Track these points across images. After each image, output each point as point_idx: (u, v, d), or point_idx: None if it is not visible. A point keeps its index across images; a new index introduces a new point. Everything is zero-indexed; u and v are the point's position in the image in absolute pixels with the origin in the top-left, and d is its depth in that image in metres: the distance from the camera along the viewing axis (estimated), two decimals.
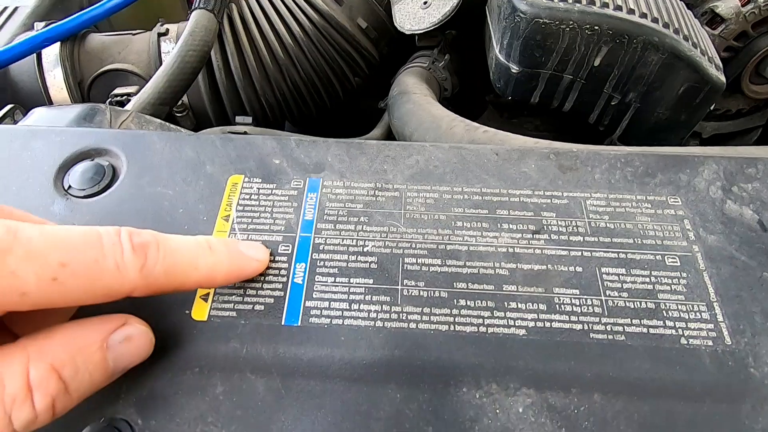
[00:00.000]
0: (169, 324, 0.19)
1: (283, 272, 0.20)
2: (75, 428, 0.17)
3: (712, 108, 0.50)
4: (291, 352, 0.18)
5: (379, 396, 0.17)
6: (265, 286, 0.20)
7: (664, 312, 0.19)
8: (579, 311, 0.19)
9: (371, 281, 0.20)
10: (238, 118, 0.39)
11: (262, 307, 0.19)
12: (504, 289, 0.20)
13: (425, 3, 0.45)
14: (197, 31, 0.38)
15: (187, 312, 0.19)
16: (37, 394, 0.14)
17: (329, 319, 0.19)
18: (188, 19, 0.40)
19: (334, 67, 0.49)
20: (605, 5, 0.33)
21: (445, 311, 0.19)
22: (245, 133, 0.35)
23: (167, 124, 0.32)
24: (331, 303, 0.19)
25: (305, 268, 0.20)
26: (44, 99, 0.44)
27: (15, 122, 0.34)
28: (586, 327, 0.19)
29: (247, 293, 0.20)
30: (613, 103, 0.37)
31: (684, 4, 0.38)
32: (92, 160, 0.24)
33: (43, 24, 0.44)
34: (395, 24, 0.46)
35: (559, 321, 0.19)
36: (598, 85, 0.36)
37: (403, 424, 0.17)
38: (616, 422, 0.17)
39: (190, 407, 0.17)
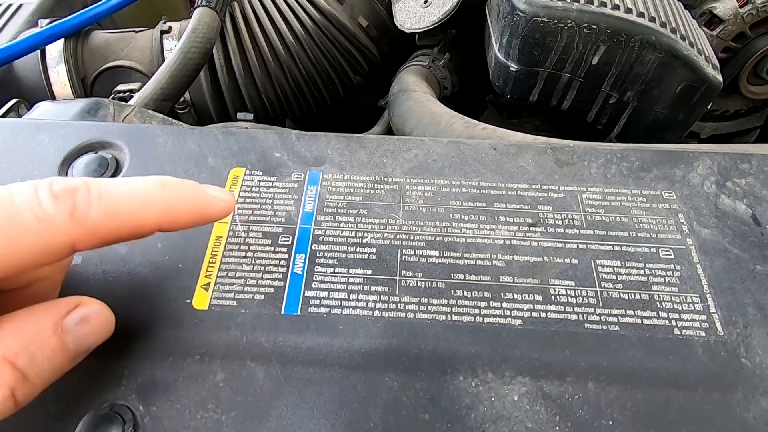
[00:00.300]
0: (171, 313, 0.19)
1: (283, 263, 0.21)
2: (77, 414, 0.17)
3: (710, 108, 0.50)
4: (290, 340, 0.19)
5: (376, 384, 0.18)
6: (265, 276, 0.20)
7: (657, 303, 0.19)
8: (574, 302, 0.19)
9: (370, 272, 0.20)
10: (240, 115, 0.40)
11: (262, 297, 0.20)
12: (500, 280, 0.20)
13: (425, 2, 0.45)
14: (200, 28, 0.39)
15: (188, 301, 0.20)
16: None
17: (328, 309, 0.19)
18: (191, 17, 0.40)
19: (334, 65, 0.49)
20: (603, 4, 0.33)
21: (442, 301, 0.19)
22: (246, 129, 0.35)
23: (170, 119, 0.32)
24: (330, 293, 0.20)
25: (305, 259, 0.21)
26: (48, 95, 0.44)
27: (19, 116, 0.34)
28: (581, 317, 0.19)
29: (247, 283, 0.20)
30: (611, 102, 0.37)
31: (681, 4, 0.38)
32: (96, 153, 0.24)
33: (47, 21, 0.45)
34: (396, 23, 0.47)
35: (555, 311, 0.19)
36: (596, 83, 0.36)
37: (401, 411, 0.17)
38: (610, 410, 0.17)
39: (191, 393, 0.18)
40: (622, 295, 0.19)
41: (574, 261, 0.20)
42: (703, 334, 0.19)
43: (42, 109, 0.30)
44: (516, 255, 0.21)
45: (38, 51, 0.43)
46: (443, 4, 0.44)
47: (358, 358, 0.18)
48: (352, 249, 0.21)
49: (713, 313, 0.19)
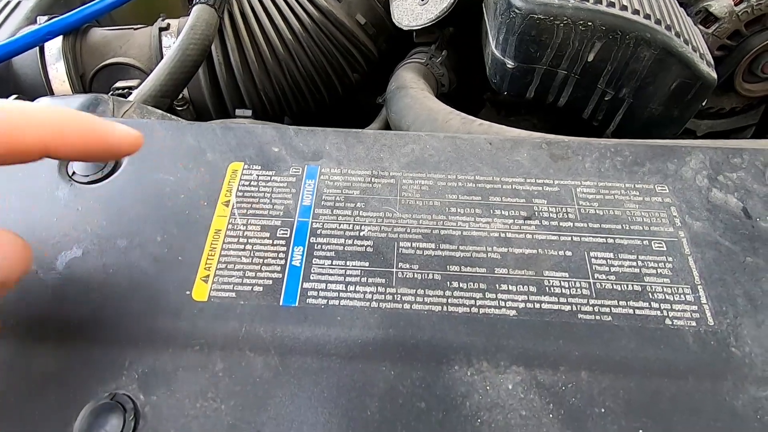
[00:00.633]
0: (171, 304, 0.20)
1: (281, 255, 0.21)
2: (78, 403, 0.18)
3: (706, 106, 0.50)
4: (289, 331, 0.19)
5: (373, 373, 0.18)
6: (264, 268, 0.20)
7: (650, 294, 0.19)
8: (568, 293, 0.20)
9: (367, 264, 0.20)
10: (238, 111, 0.40)
11: (261, 289, 0.20)
12: (495, 272, 0.20)
13: (423, 0, 0.46)
14: (198, 25, 0.39)
15: (188, 293, 0.20)
16: None
17: (326, 300, 0.20)
18: (189, 14, 0.40)
19: (332, 62, 0.50)
20: (598, 1, 0.34)
21: (438, 293, 0.20)
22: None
23: (168, 115, 0.32)
24: (328, 285, 0.20)
25: (303, 252, 0.21)
26: (46, 92, 0.44)
27: None
28: (574, 308, 0.19)
29: (246, 275, 0.20)
30: (606, 99, 0.37)
31: (676, 2, 0.39)
32: None
33: (45, 18, 0.45)
34: (393, 20, 0.47)
35: (549, 302, 0.19)
36: (592, 80, 0.36)
37: (397, 400, 0.18)
38: (602, 398, 0.17)
39: (191, 383, 0.18)
40: (614, 287, 0.20)
41: (568, 253, 0.21)
42: (693, 324, 0.19)
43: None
44: (511, 247, 0.21)
45: (37, 48, 0.43)
46: (440, 1, 0.44)
47: (355, 348, 0.19)
48: (350, 242, 0.21)
49: (704, 303, 0.19)
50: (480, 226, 0.21)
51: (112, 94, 0.42)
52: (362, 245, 0.21)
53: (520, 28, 0.34)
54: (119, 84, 0.44)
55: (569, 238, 0.21)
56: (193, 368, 0.18)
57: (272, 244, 0.21)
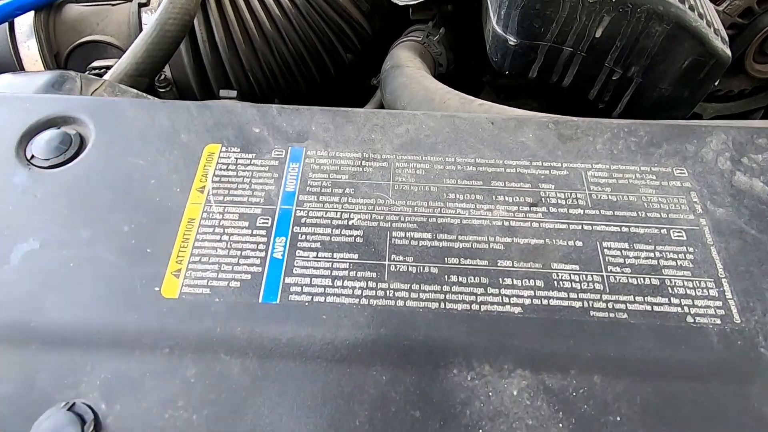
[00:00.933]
0: (137, 302, 0.18)
1: (261, 247, 0.19)
2: (33, 413, 0.16)
3: (714, 88, 0.48)
4: (269, 331, 0.18)
5: (363, 378, 0.17)
6: (242, 261, 0.19)
7: (669, 288, 0.18)
8: (579, 288, 0.18)
9: (356, 256, 0.19)
10: (222, 92, 0.38)
11: (238, 284, 0.19)
12: (499, 264, 0.19)
13: None
14: None
15: (156, 289, 0.18)
16: None
17: (310, 297, 0.18)
18: None
19: (324, 40, 0.47)
20: None
21: (435, 288, 0.18)
22: None
23: (144, 94, 0.30)
24: (313, 279, 0.19)
25: (285, 243, 0.19)
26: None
27: None
28: (586, 304, 0.18)
29: (222, 269, 0.19)
30: (614, 78, 0.35)
31: None
32: (58, 129, 0.23)
33: None
34: None
35: (558, 298, 0.18)
36: (599, 58, 0.35)
37: (389, 407, 0.16)
38: (617, 405, 0.16)
39: (159, 390, 0.17)
40: (630, 280, 0.18)
41: (579, 243, 0.19)
42: (718, 321, 0.18)
43: (3, 82, 0.28)
44: (515, 237, 0.19)
45: (6, 24, 0.41)
46: None
47: (342, 350, 0.17)
48: (337, 231, 0.20)
49: (729, 299, 0.18)
50: (481, 213, 0.20)
51: (88, 74, 0.40)
52: (351, 235, 0.20)
53: (524, 1, 0.32)
54: (96, 63, 0.41)
55: (579, 227, 0.20)
56: (161, 373, 0.17)
57: (251, 235, 0.20)
